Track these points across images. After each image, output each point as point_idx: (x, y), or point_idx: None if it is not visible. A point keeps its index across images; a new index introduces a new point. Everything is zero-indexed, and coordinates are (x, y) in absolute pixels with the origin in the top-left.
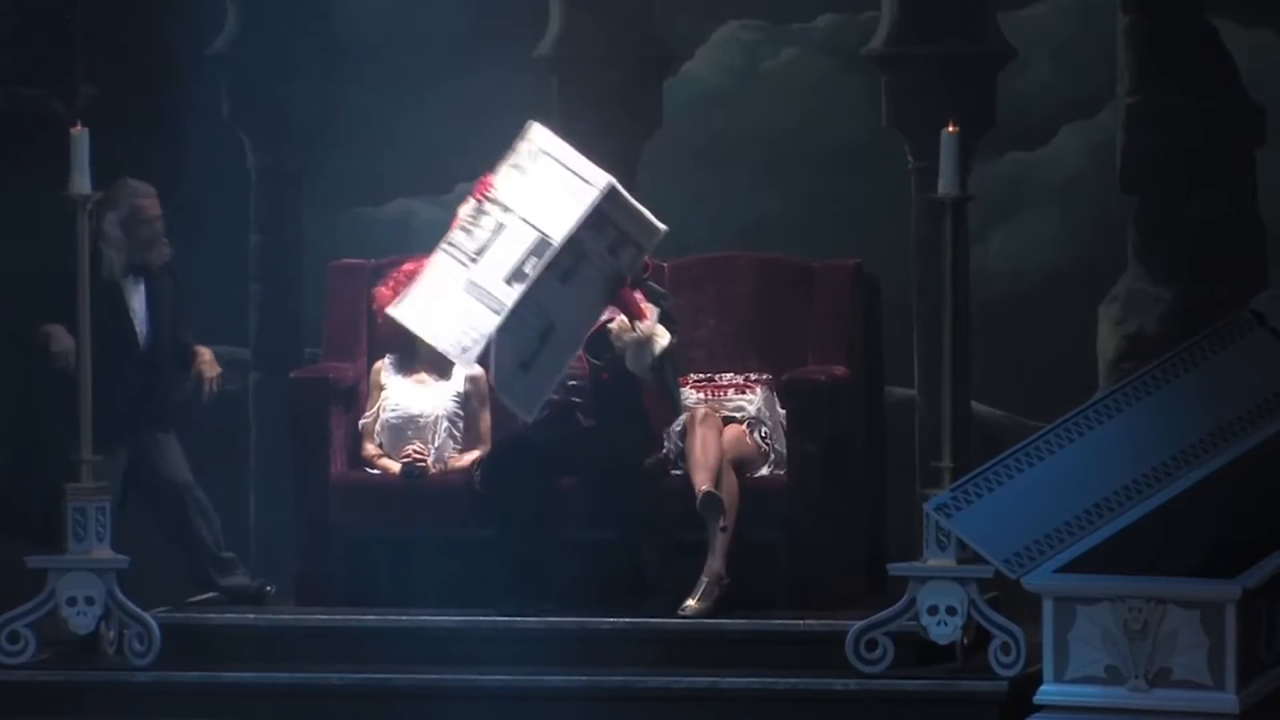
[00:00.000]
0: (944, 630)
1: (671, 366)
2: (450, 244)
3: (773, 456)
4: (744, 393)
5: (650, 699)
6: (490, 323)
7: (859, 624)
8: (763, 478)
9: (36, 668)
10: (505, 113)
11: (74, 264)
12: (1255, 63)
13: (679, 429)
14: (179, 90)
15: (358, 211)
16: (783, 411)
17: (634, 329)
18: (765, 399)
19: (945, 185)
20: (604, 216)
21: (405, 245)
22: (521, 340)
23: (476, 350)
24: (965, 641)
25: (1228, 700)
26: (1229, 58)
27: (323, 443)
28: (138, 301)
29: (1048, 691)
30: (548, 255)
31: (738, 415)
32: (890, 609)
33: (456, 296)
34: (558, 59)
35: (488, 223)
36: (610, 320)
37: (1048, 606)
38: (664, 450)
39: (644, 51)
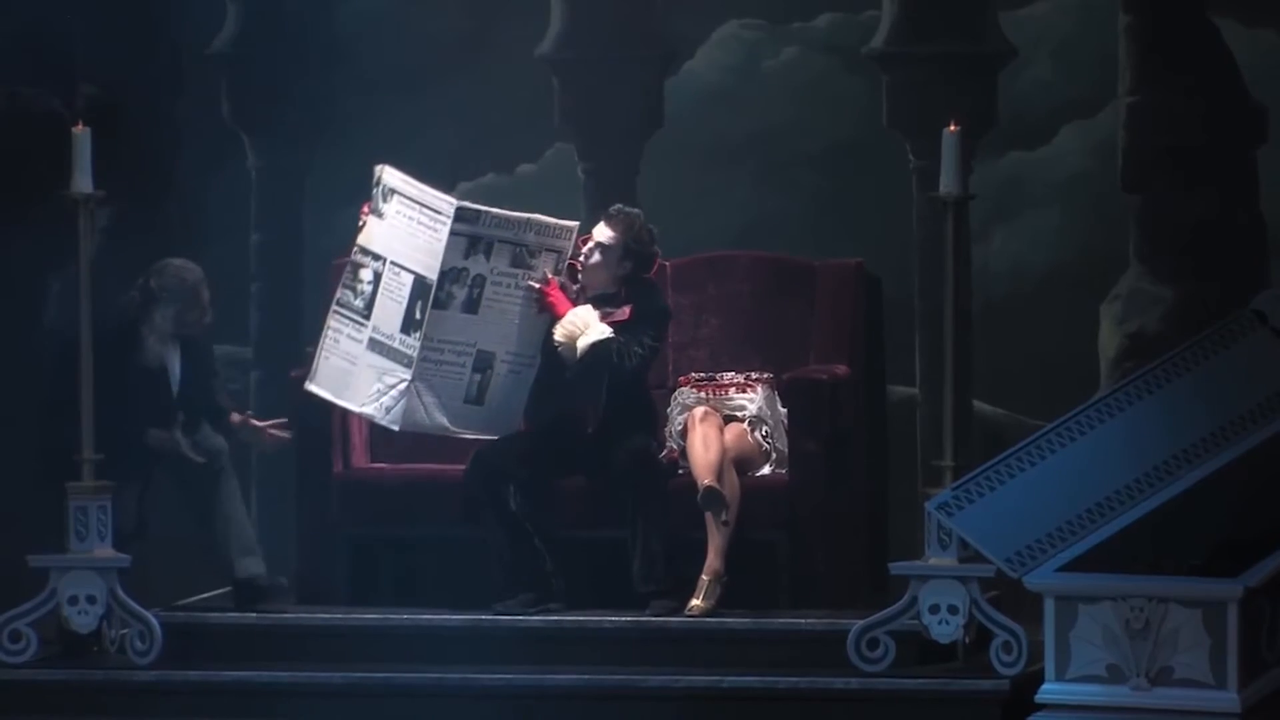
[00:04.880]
0: (945, 629)
1: (608, 364)
2: (339, 305)
3: (774, 455)
4: (745, 391)
5: (651, 698)
6: (404, 376)
7: (860, 623)
8: (764, 477)
9: (38, 667)
10: (505, 113)
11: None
12: (1256, 62)
13: (680, 428)
14: (179, 89)
15: (358, 210)
16: (784, 410)
17: (562, 330)
18: (766, 398)
19: (946, 184)
20: (476, 239)
21: None
22: (451, 381)
23: (399, 408)
24: (967, 640)
25: (1229, 699)
26: (1230, 57)
27: (324, 442)
28: (174, 364)
29: (1049, 690)
30: (430, 296)
31: (739, 414)
32: (892, 608)
33: (364, 357)
34: (558, 59)
35: (365, 275)
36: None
37: (1049, 605)
38: (669, 449)
39: (644, 51)
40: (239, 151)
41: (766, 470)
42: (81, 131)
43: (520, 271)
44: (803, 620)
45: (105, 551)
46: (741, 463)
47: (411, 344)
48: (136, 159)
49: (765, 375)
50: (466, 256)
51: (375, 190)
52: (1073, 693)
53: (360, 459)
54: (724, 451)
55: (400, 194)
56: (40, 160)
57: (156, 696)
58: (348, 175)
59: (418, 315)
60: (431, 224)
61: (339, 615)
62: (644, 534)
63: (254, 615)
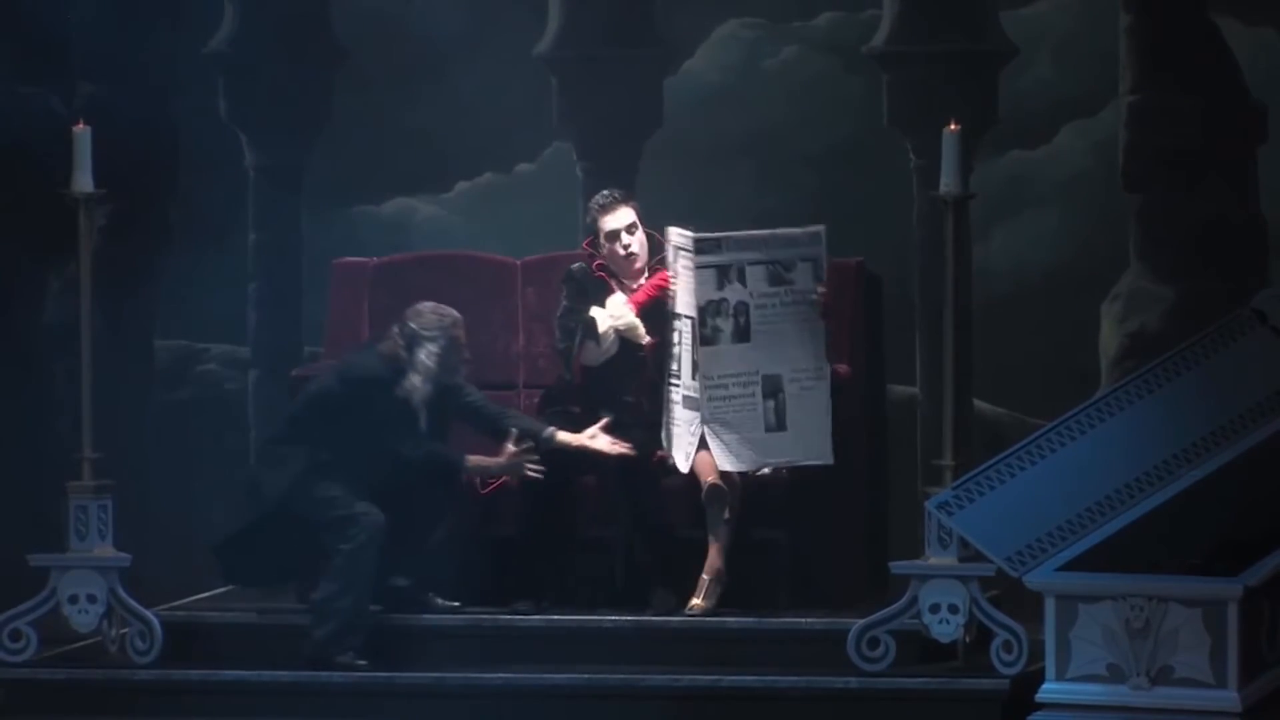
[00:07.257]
0: (946, 628)
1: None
2: (669, 376)
3: None
4: None
5: (651, 697)
6: (698, 421)
7: (861, 622)
8: (764, 475)
9: (38, 666)
10: (504, 112)
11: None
12: (1256, 61)
13: None
14: (177, 88)
15: (356, 210)
16: None
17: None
18: None
19: (947, 183)
20: (724, 268)
21: (404, 244)
22: (746, 414)
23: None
24: (967, 640)
25: (1229, 698)
26: (1230, 56)
27: None
28: (422, 415)
29: (1049, 690)
30: (696, 335)
31: None
32: (892, 607)
33: (682, 416)
34: (557, 58)
35: (674, 338)
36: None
37: (1049, 604)
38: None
39: (644, 49)
40: (237, 150)
41: (766, 470)
42: (81, 130)
43: (781, 289)
44: (803, 620)
45: (106, 550)
46: None
47: (697, 387)
48: (135, 158)
49: None
50: (720, 287)
51: (667, 253)
52: (1073, 692)
53: None
54: None
55: (679, 248)
56: (40, 159)
57: (156, 696)
58: (347, 174)
59: (695, 358)
60: (688, 264)
61: None
62: (626, 530)
63: (254, 615)
